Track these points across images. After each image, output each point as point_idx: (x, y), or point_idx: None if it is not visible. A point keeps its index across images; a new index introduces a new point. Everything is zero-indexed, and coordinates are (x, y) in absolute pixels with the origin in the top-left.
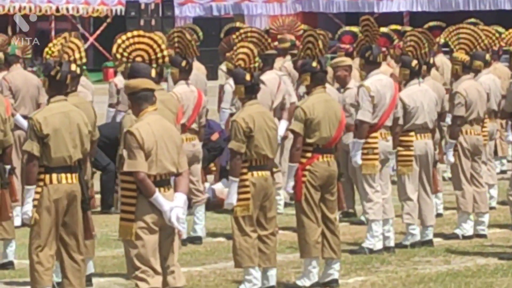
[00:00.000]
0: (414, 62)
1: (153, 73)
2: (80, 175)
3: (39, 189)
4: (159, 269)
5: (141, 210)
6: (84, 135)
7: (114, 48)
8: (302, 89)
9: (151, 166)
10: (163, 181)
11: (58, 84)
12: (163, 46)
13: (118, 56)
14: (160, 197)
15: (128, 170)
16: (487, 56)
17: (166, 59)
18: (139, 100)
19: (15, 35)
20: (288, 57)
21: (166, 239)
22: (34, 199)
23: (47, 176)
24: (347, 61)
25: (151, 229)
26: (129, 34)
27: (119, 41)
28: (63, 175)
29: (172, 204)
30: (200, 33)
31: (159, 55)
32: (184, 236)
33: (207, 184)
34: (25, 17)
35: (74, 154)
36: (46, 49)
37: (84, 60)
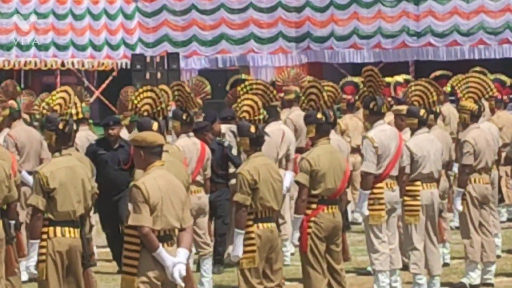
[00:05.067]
0: (422, 111)
1: (155, 126)
2: (81, 230)
3: (43, 243)
4: None
5: (144, 265)
6: (88, 191)
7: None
8: None
9: (155, 221)
10: (167, 236)
11: (66, 137)
12: (162, 99)
13: (132, 112)
14: (163, 252)
15: (132, 224)
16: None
17: (165, 112)
18: (152, 155)
19: (21, 90)
20: (294, 108)
21: None
22: (39, 254)
23: (51, 229)
24: (404, 110)
25: (153, 284)
26: (140, 90)
27: (132, 97)
28: (66, 228)
29: (176, 259)
30: (208, 87)
31: (159, 108)
32: None
33: None
34: (31, 71)
35: (78, 209)
36: (43, 104)
37: (81, 116)
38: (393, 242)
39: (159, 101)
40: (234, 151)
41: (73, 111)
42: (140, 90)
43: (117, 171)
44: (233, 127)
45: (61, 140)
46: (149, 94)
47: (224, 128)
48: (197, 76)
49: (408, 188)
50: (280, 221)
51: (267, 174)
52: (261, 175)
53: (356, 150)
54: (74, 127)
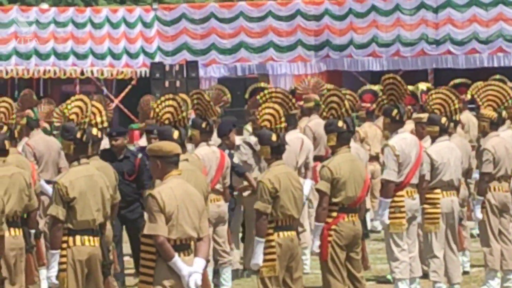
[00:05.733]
0: (443, 119)
1: (176, 134)
2: (101, 239)
3: (64, 252)
4: None
5: (160, 274)
6: (106, 199)
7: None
8: None
9: (171, 230)
10: (183, 246)
11: (84, 147)
12: (183, 108)
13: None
14: (179, 261)
15: (147, 233)
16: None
17: (186, 120)
18: (169, 164)
19: (40, 99)
20: (313, 116)
21: None
22: (59, 263)
23: (71, 238)
24: (424, 118)
25: None
26: (161, 98)
27: (154, 105)
28: (86, 237)
29: (191, 269)
30: (228, 95)
31: (180, 116)
32: None
33: None
34: (50, 80)
35: (98, 217)
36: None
37: (106, 124)
38: (413, 250)
39: (180, 109)
40: (236, 160)
41: (98, 119)
42: (162, 98)
43: (121, 182)
44: (248, 138)
45: (79, 149)
46: (170, 102)
47: (238, 139)
48: (217, 85)
49: (428, 196)
50: (299, 229)
51: (288, 183)
52: (281, 184)
53: (375, 158)
54: (99, 135)
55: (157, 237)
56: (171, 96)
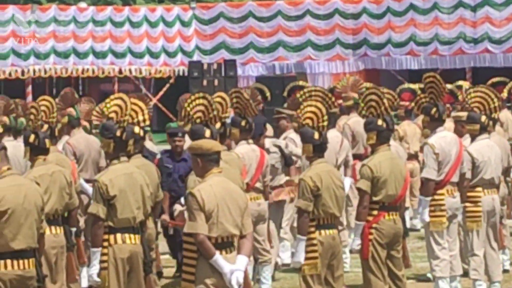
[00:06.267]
0: (483, 118)
1: (208, 133)
2: (142, 237)
3: (105, 250)
4: None
5: (201, 272)
6: (146, 197)
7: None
8: None
9: (211, 228)
10: (224, 244)
11: (124, 145)
12: (214, 106)
13: (186, 119)
14: (220, 259)
15: (188, 231)
16: None
17: (217, 119)
18: (210, 162)
19: (80, 97)
20: (352, 114)
21: None
22: (101, 261)
23: (112, 236)
24: (464, 116)
25: None
26: (192, 97)
27: (185, 104)
28: (126, 235)
29: (233, 266)
30: (268, 94)
31: (211, 115)
32: None
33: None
34: (89, 79)
35: (138, 215)
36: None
37: (148, 122)
38: (453, 249)
39: (211, 108)
40: None
41: (140, 117)
42: (193, 97)
43: None
44: (278, 141)
45: (119, 147)
46: (201, 101)
47: (267, 142)
48: (256, 84)
49: (469, 194)
50: (339, 227)
51: (330, 181)
52: (323, 182)
53: (414, 156)
54: (141, 133)
55: (197, 235)
56: (201, 94)
